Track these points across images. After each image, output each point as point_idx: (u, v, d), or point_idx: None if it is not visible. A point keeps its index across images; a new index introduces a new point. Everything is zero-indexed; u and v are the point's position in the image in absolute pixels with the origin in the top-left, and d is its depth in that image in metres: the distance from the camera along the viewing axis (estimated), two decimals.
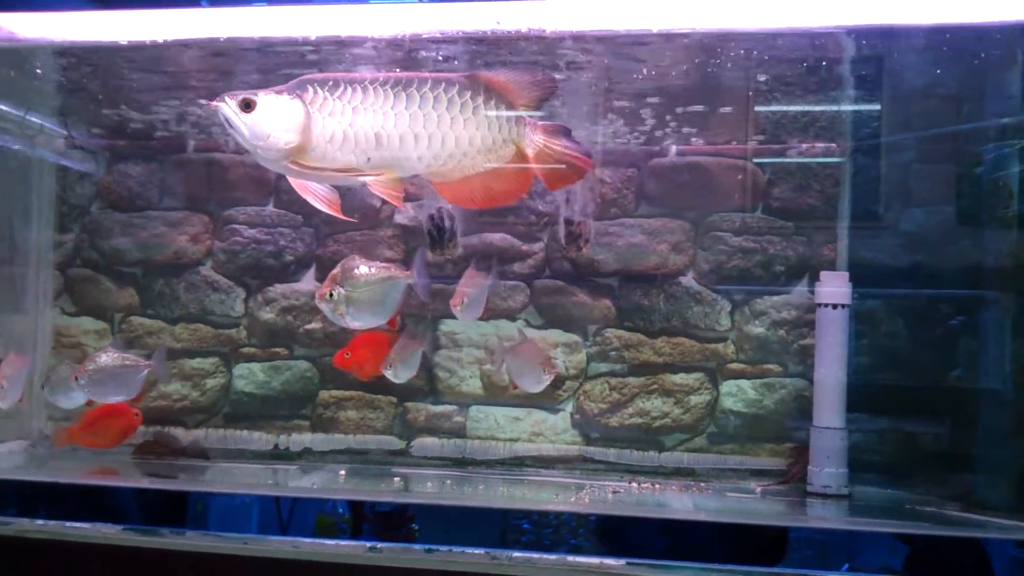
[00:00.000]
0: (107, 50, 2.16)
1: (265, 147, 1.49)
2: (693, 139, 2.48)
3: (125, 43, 1.89)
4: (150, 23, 1.97)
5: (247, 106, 1.48)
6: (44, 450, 2.58)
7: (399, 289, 2.06)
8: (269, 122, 1.47)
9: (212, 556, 1.71)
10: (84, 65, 2.32)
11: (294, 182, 1.59)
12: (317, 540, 1.65)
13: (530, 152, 1.57)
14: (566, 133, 1.61)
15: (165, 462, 2.47)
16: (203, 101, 1.49)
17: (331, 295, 1.97)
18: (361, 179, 1.53)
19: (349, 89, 1.50)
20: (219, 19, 1.92)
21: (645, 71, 2.07)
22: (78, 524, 1.74)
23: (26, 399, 2.40)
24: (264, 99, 1.48)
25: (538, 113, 1.61)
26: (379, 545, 1.61)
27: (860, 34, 1.98)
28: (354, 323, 2.02)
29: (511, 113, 1.57)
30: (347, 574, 1.66)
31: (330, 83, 1.50)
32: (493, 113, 1.54)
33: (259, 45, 1.88)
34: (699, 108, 2.33)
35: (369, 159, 1.52)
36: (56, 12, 1.97)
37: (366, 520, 1.75)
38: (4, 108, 2.53)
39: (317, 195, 1.57)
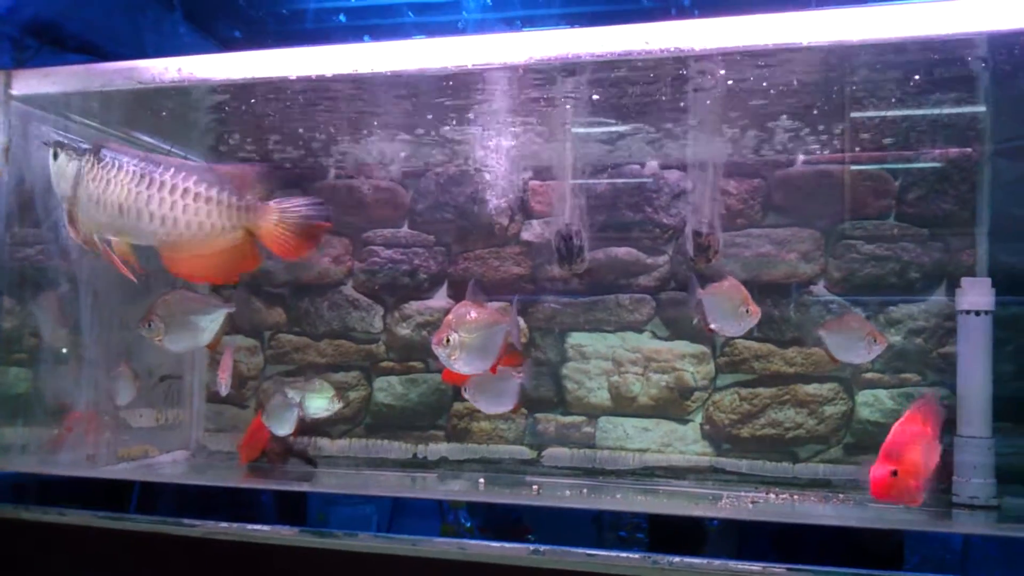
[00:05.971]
0: (259, 86, 2.32)
1: (57, 191, 1.80)
2: (821, 148, 2.48)
3: (294, 77, 2.05)
4: (297, 61, 2.11)
5: (55, 156, 1.79)
6: (202, 459, 2.78)
7: (502, 333, 2.08)
8: (57, 171, 1.79)
9: (378, 556, 1.82)
10: (234, 100, 2.49)
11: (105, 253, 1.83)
12: (483, 542, 1.73)
13: (261, 233, 1.74)
14: (309, 208, 1.75)
15: (279, 466, 2.60)
16: (44, 142, 1.81)
17: (448, 340, 2.00)
18: (107, 237, 1.78)
19: (111, 162, 1.75)
20: (364, 54, 2.05)
21: (774, 82, 2.09)
22: (258, 526, 1.88)
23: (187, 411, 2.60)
24: (60, 154, 1.78)
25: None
26: (542, 548, 1.68)
27: (996, 36, 1.94)
28: (464, 368, 2.06)
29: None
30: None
31: (101, 151, 1.76)
32: (225, 201, 1.72)
33: (415, 75, 1.99)
34: (827, 116, 2.32)
35: (113, 224, 1.76)
36: (238, 52, 2.14)
37: (512, 526, 1.83)
38: (153, 142, 2.73)
39: (114, 259, 1.80)
